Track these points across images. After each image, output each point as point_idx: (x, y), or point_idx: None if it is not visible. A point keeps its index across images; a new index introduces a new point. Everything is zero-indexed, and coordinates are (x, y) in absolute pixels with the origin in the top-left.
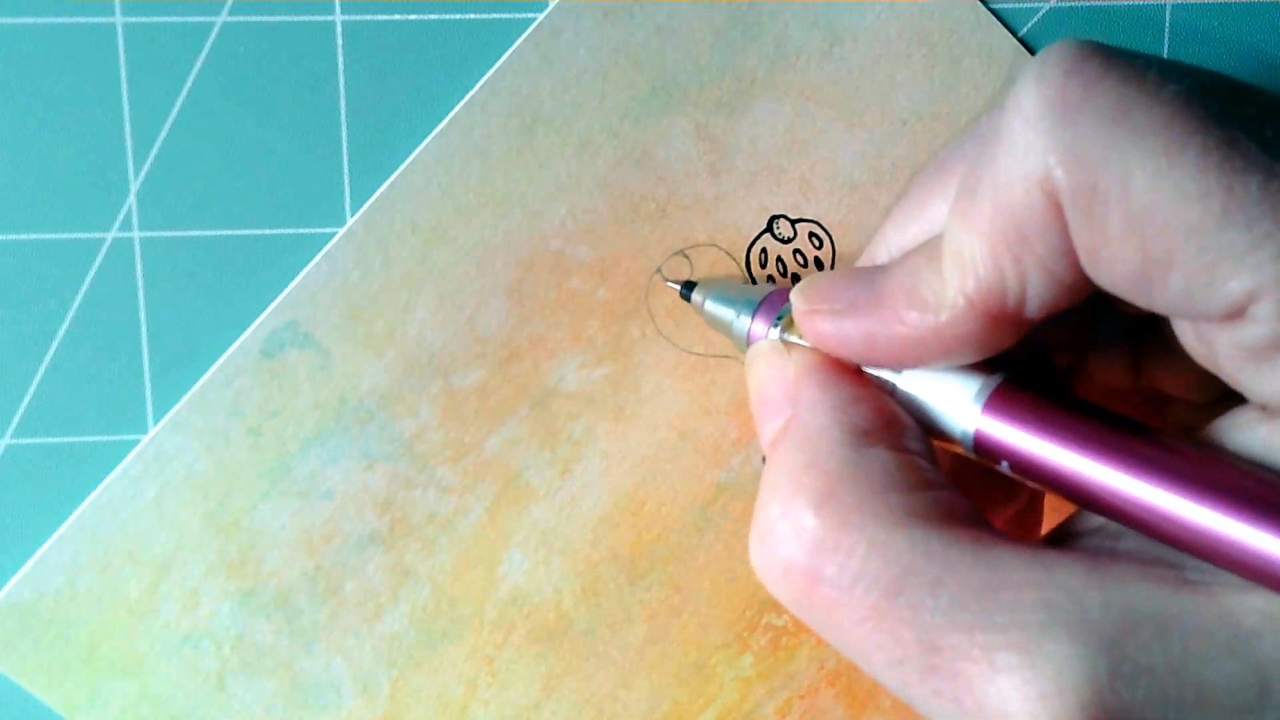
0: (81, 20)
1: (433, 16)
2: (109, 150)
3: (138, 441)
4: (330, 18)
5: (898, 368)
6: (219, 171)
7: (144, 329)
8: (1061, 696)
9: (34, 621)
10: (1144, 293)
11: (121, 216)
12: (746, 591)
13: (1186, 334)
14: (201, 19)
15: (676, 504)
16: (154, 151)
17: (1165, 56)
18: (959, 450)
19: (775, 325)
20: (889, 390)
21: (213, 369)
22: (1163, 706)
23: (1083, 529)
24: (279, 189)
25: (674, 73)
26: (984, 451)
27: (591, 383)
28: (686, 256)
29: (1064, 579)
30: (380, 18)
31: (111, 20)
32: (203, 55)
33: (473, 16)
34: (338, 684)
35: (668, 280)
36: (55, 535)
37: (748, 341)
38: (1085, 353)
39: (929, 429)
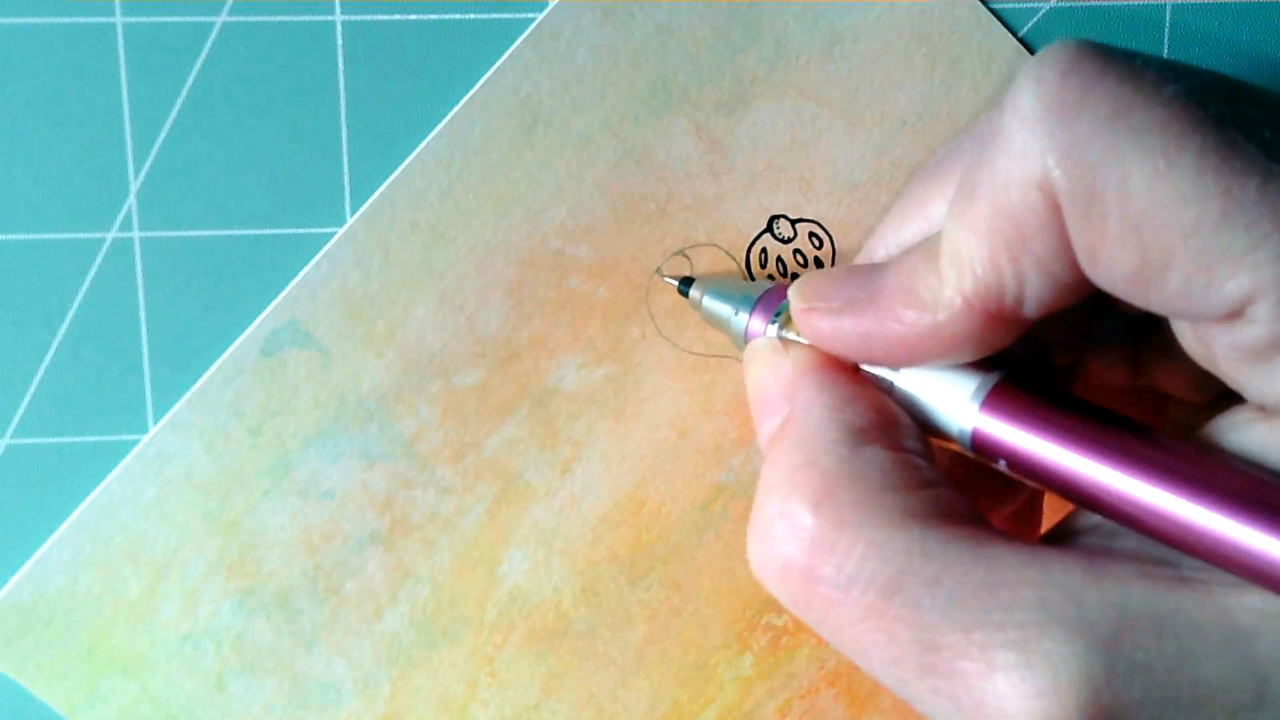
0: (81, 20)
1: (433, 16)
2: (109, 150)
3: (138, 441)
4: (330, 18)
5: (895, 366)
6: (219, 171)
7: (144, 329)
8: (1059, 694)
9: (34, 621)
10: (1142, 293)
11: (121, 216)
12: (746, 591)
13: (1185, 334)
14: (201, 19)
15: (676, 504)
16: (154, 151)
17: (1165, 56)
18: (957, 449)
19: (773, 322)
20: (886, 389)
21: (213, 369)
22: (1159, 704)
23: (1080, 528)
24: (279, 189)
25: (674, 73)
26: (982, 450)
27: (591, 383)
28: (686, 256)
29: (1061, 578)
30: (380, 18)
31: (111, 20)
32: (203, 55)
33: (473, 16)
34: (338, 684)
35: (666, 276)
36: (55, 535)
37: (745, 339)
38: (1084, 352)
39: (927, 427)
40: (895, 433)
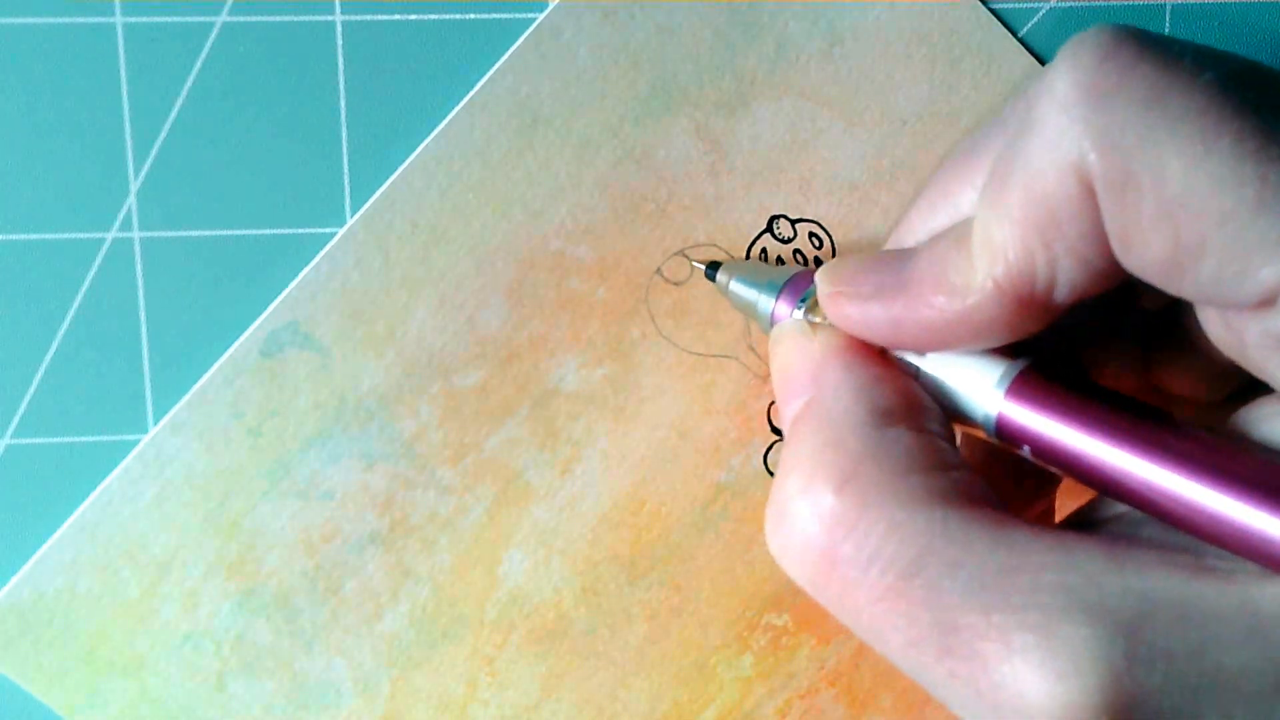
0: (81, 20)
1: (433, 16)
2: (109, 150)
3: (138, 441)
4: (330, 18)
5: (922, 351)
6: (219, 171)
7: (144, 329)
8: (1079, 678)
9: (34, 622)
10: (1175, 279)
11: (121, 216)
12: (746, 591)
13: (1213, 323)
14: (201, 19)
15: (676, 504)
16: (154, 151)
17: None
18: (981, 435)
19: (799, 306)
20: (912, 373)
21: (213, 369)
22: (1180, 691)
23: (1102, 516)
24: (279, 189)
25: (674, 73)
26: (1006, 436)
27: (591, 383)
28: (686, 256)
29: (1083, 563)
30: (380, 18)
31: (111, 20)
32: (203, 55)
33: (473, 16)
34: (338, 684)
35: (694, 261)
36: (55, 535)
37: (771, 322)
38: (1096, 350)
39: (951, 413)
40: (920, 416)
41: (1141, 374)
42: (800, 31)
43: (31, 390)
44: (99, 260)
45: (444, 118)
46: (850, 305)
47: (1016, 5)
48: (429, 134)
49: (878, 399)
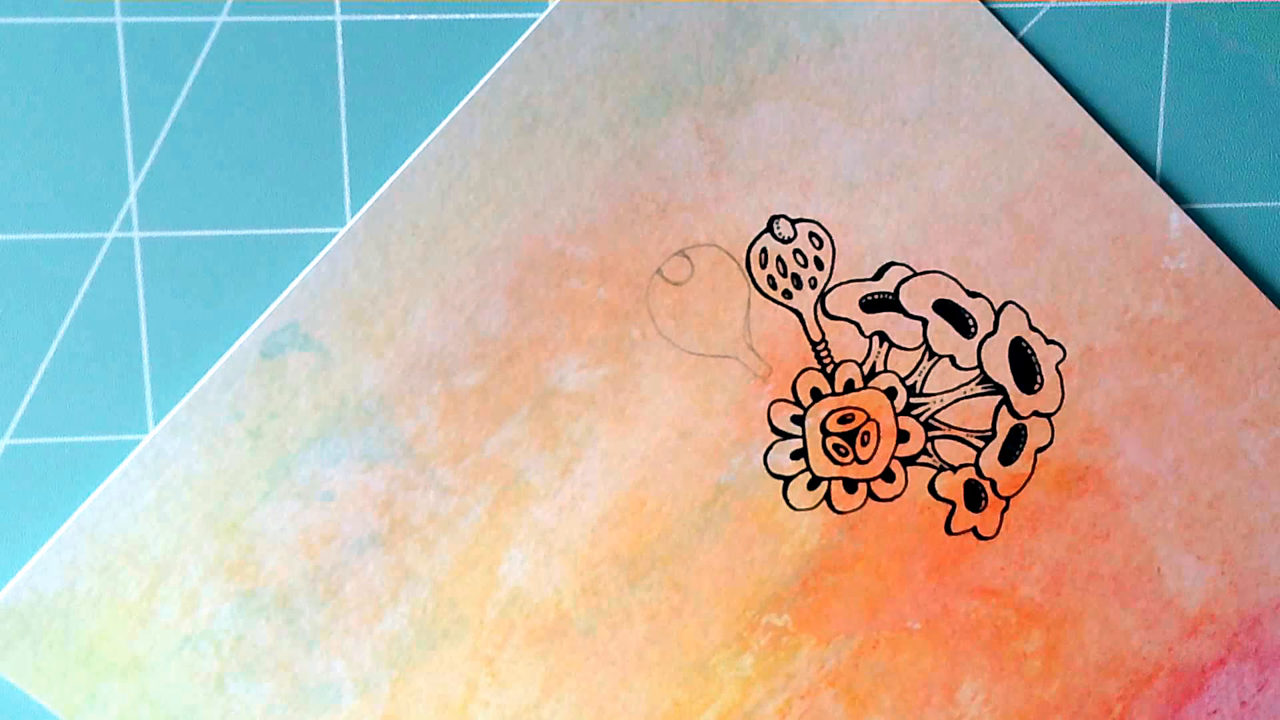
0: (81, 20)
1: (433, 16)
2: (109, 150)
3: (138, 441)
4: (330, 18)
5: None
6: (219, 171)
7: (144, 329)
8: None
9: (33, 623)
10: None
11: (121, 216)
12: (746, 591)
13: None
14: (201, 19)
15: (676, 504)
16: (154, 151)
17: (1165, 57)
18: None
19: None
20: None
21: (213, 370)
22: None
23: None
24: (279, 189)
25: (674, 73)
26: None
27: (591, 383)
28: (686, 256)
29: None
30: (380, 18)
31: (111, 20)
32: (203, 55)
33: (473, 16)
34: (338, 684)
35: None
36: (55, 536)
37: None
38: None
39: None
40: None
41: None
42: (800, 31)
43: (31, 390)
44: (99, 260)
45: (444, 118)
46: None
47: (1016, 5)
48: (429, 134)
49: None
